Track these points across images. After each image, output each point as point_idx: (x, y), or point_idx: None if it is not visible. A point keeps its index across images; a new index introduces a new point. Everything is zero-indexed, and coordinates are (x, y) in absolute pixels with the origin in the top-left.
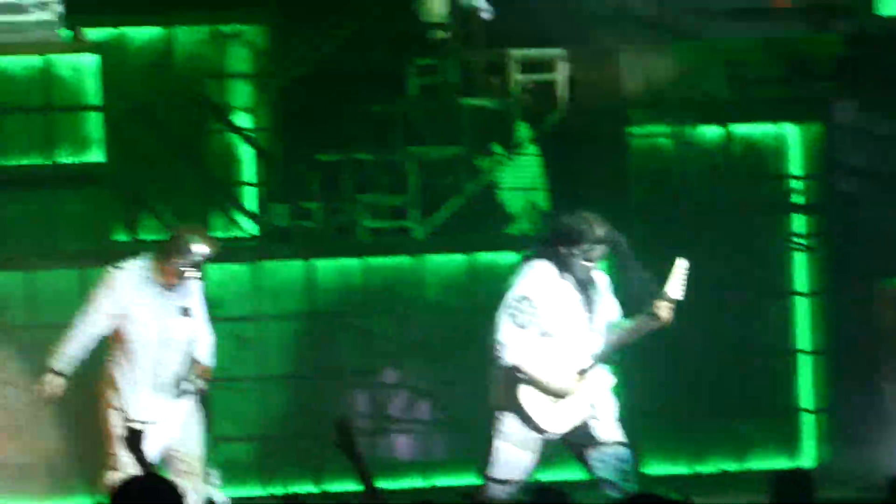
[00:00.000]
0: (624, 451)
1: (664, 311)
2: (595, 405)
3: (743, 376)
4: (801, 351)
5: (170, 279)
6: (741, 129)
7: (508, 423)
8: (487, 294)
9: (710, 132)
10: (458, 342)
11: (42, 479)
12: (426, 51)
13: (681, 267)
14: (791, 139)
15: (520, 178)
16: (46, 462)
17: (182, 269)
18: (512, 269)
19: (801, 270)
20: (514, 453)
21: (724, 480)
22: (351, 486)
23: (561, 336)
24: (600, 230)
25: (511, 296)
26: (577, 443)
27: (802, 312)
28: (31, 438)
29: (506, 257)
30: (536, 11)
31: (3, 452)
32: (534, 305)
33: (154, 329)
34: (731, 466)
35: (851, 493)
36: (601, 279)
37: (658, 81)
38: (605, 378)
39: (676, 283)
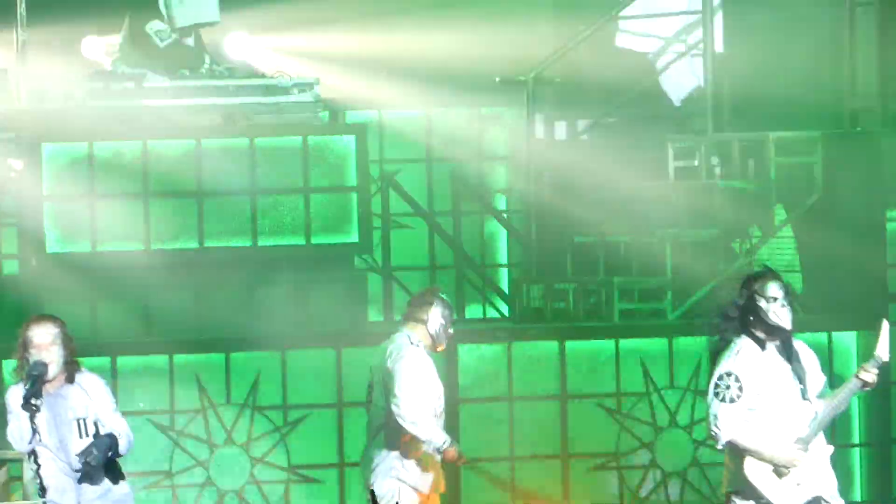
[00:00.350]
0: None
1: (872, 374)
2: (823, 482)
3: None
4: None
5: (439, 344)
6: None
7: None
8: None
9: None
10: None
11: None
12: (683, 133)
13: (887, 329)
14: None
15: (776, 260)
16: None
17: (451, 330)
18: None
19: None
20: None
21: None
22: None
23: (774, 408)
24: (761, 270)
25: (715, 374)
26: None
27: None
28: None
29: None
30: (792, 96)
31: None
32: (739, 380)
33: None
34: None
35: None
36: (807, 352)
37: None
38: (824, 448)
39: (884, 345)
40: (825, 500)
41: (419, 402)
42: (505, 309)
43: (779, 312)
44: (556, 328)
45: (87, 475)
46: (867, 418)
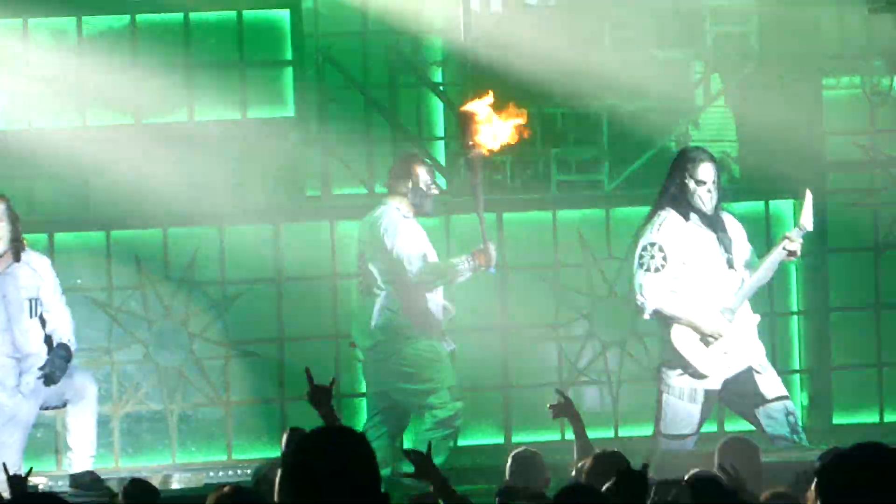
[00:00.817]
0: (790, 405)
1: (797, 243)
2: (751, 351)
3: None
4: None
5: (424, 211)
6: None
7: (671, 376)
8: None
9: None
10: None
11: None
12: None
13: (810, 199)
14: None
15: (712, 129)
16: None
17: (435, 191)
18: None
19: None
20: (681, 407)
21: None
22: (537, 438)
23: (699, 277)
24: (698, 150)
25: (639, 245)
26: (743, 402)
27: None
28: None
29: None
30: None
31: None
32: (663, 250)
33: None
34: None
35: None
36: (733, 222)
37: (853, 32)
38: (750, 317)
39: (808, 214)
40: (755, 369)
41: (428, 263)
42: (442, 182)
43: (703, 197)
44: (493, 200)
45: (50, 380)
46: (805, 287)
